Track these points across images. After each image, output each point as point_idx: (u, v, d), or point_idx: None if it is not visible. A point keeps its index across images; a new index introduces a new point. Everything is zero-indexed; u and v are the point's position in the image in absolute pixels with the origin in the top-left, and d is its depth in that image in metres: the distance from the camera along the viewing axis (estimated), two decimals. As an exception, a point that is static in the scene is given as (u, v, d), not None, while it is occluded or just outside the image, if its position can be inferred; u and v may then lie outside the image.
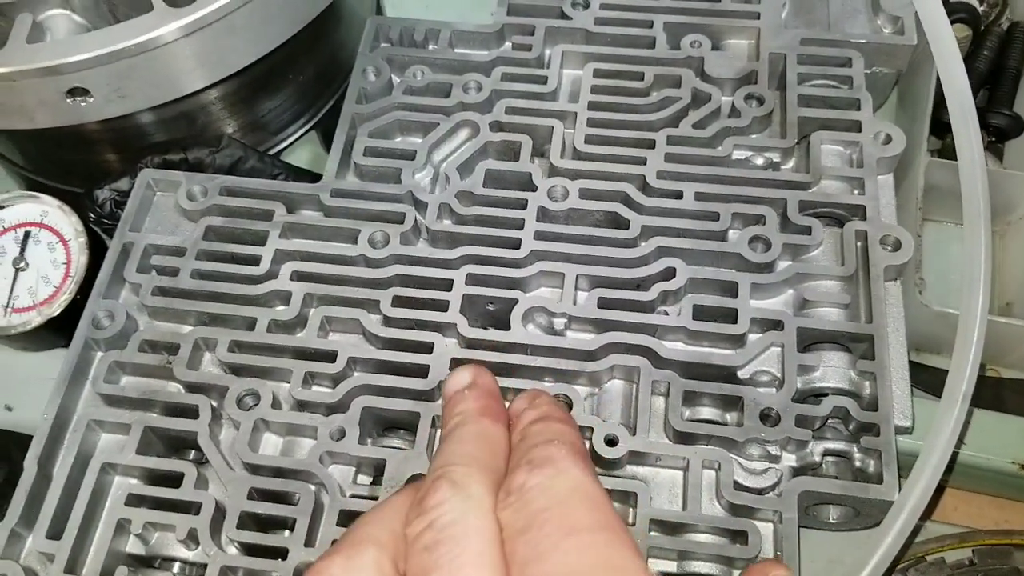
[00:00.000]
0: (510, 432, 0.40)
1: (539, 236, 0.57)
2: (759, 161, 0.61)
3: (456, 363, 0.53)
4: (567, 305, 0.55)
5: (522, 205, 0.58)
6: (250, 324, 0.55)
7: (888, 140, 0.60)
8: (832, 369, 0.53)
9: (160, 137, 0.63)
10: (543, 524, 0.32)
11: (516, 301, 0.55)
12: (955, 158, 0.68)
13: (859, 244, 0.56)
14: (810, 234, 0.57)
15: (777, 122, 0.62)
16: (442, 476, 0.35)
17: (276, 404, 0.53)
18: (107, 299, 0.56)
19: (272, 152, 0.70)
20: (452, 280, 0.56)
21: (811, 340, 0.54)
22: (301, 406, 0.53)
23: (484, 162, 0.60)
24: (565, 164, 0.60)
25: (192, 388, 0.54)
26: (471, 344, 0.54)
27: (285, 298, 0.56)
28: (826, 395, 0.53)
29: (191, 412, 0.53)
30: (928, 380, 0.65)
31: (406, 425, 0.54)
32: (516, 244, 0.57)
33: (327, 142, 0.73)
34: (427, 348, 0.54)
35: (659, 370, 0.53)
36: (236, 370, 0.55)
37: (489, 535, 0.33)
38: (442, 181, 0.61)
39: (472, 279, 0.56)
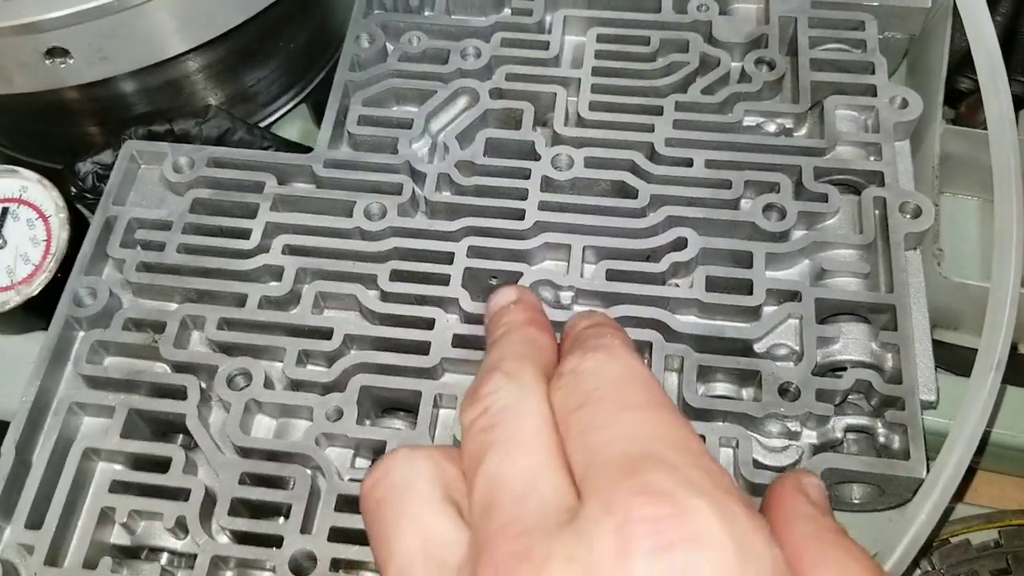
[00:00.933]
0: (561, 345, 0.40)
1: (543, 207, 0.54)
2: (771, 127, 0.58)
3: (459, 339, 0.51)
4: (574, 278, 0.52)
5: (525, 175, 0.56)
6: (240, 301, 0.53)
7: (905, 104, 0.58)
8: (852, 341, 0.51)
9: (144, 108, 0.60)
10: (598, 401, 0.32)
11: (521, 274, 0.52)
12: (969, 126, 0.66)
13: (877, 212, 0.54)
14: (826, 201, 0.54)
15: (789, 87, 0.60)
16: (495, 368, 0.35)
17: (269, 384, 0.50)
18: (89, 276, 0.54)
19: (261, 125, 0.67)
20: (453, 253, 0.53)
21: (830, 312, 0.52)
22: (295, 386, 0.51)
23: (484, 131, 0.58)
24: (569, 132, 0.57)
25: (179, 368, 0.51)
26: (474, 319, 0.51)
27: (277, 273, 0.53)
28: (846, 368, 0.50)
29: (179, 393, 0.50)
30: (946, 357, 0.62)
31: (407, 405, 0.51)
32: (520, 215, 0.54)
33: (318, 116, 0.70)
34: (428, 324, 0.51)
35: (672, 344, 0.50)
36: (226, 349, 0.52)
37: (544, 417, 0.33)
38: (440, 151, 0.58)
39: (474, 252, 0.53)
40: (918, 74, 0.70)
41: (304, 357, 0.51)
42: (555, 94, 0.59)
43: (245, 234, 0.54)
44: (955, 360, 0.63)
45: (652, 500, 0.27)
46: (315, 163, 0.56)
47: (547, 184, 0.55)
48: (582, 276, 0.52)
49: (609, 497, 0.27)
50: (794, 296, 0.51)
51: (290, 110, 0.70)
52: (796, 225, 0.53)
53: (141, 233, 0.54)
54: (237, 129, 0.60)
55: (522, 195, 0.55)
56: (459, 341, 0.51)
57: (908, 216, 0.54)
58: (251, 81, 0.63)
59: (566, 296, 0.52)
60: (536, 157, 0.56)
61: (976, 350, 0.50)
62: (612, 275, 0.52)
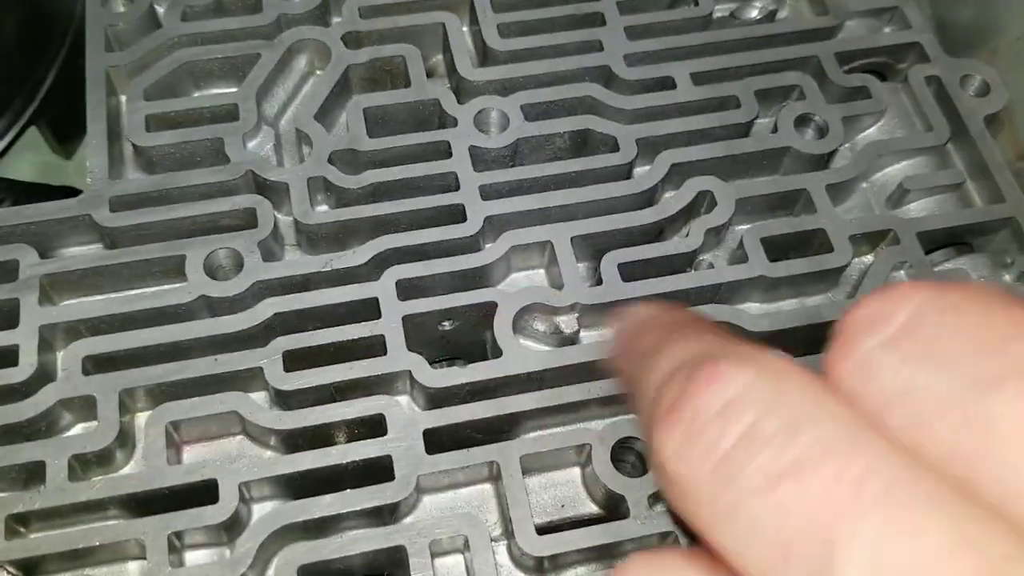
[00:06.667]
0: None
1: (489, 194, 0.35)
2: (752, 13, 0.41)
3: (433, 438, 0.30)
4: (572, 289, 0.33)
5: (444, 151, 0.36)
6: (32, 475, 0.30)
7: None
8: (981, 282, 0.35)
9: None
10: None
11: (492, 305, 0.33)
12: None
13: (934, 97, 0.39)
14: (870, 96, 0.38)
15: (751, -45, 0.43)
16: None
17: (128, 613, 0.28)
18: None
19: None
20: (376, 298, 0.32)
21: (930, 247, 0.36)
22: (176, 600, 0.29)
23: (355, 99, 0.37)
24: (483, 75, 0.38)
25: (-52, 634, 0.28)
26: (441, 397, 0.31)
27: (84, 408, 0.31)
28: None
29: None
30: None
31: (375, 570, 0.31)
32: (458, 214, 0.34)
33: (60, 138, 0.47)
34: (372, 427, 0.31)
35: (754, 354, 0.32)
36: (28, 568, 0.29)
37: None
38: (294, 144, 0.37)
39: (406, 288, 0.33)
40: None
41: (177, 544, 0.29)
42: (442, 24, 0.39)
43: (7, 358, 0.31)
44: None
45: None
46: (94, 208, 0.34)
47: (480, 158, 0.36)
48: (580, 284, 0.33)
49: None
50: (885, 236, 0.35)
51: (13, 142, 0.45)
52: (844, 138, 0.37)
53: None
54: (-61, 184, 0.36)
55: (449, 183, 0.35)
56: (434, 440, 0.30)
57: (972, 93, 0.39)
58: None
59: (568, 321, 0.33)
60: (450, 122, 0.36)
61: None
62: (626, 272, 0.34)
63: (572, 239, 0.34)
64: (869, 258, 0.35)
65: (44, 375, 0.31)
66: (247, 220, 0.34)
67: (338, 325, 0.32)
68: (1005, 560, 0.14)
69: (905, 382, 0.17)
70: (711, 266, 0.36)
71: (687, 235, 0.35)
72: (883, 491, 0.15)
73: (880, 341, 0.18)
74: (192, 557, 0.30)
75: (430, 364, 0.31)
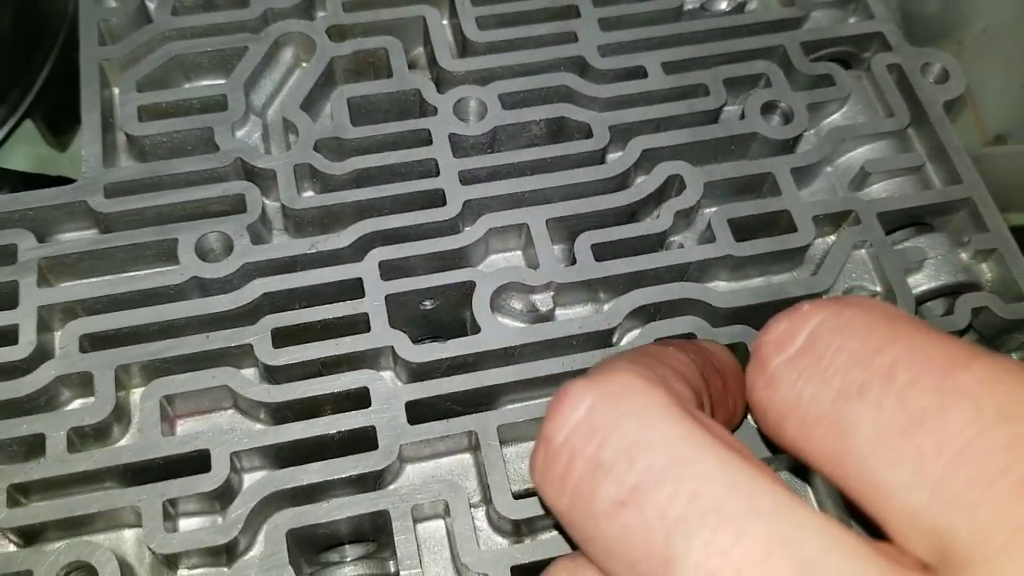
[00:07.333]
0: None
1: (467, 179, 0.36)
2: (722, 5, 0.43)
3: (414, 409, 0.32)
4: (547, 269, 0.35)
5: (424, 139, 0.37)
6: (32, 448, 0.31)
7: (871, -58, 0.44)
8: (939, 260, 0.37)
9: None
10: None
11: (471, 284, 0.34)
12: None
13: (896, 84, 0.40)
14: (834, 84, 0.40)
15: (719, -50, 0.45)
16: None
17: (128, 572, 0.30)
18: None
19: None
20: (360, 279, 0.34)
21: (891, 228, 0.38)
22: (172, 564, 0.30)
23: (339, 89, 0.38)
24: (462, 66, 0.39)
25: (-46, 597, 0.29)
26: (422, 371, 0.33)
27: (81, 384, 0.32)
28: (936, 297, 0.37)
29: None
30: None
31: (360, 536, 0.32)
32: (438, 198, 0.36)
33: (55, 131, 0.48)
34: (357, 400, 0.32)
35: (721, 328, 0.34)
36: (29, 536, 0.30)
37: None
38: (280, 132, 0.38)
39: (389, 269, 0.34)
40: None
41: (172, 512, 0.31)
42: (423, 17, 0.40)
43: (7, 337, 0.32)
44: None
45: None
46: (89, 195, 0.35)
47: (459, 145, 0.37)
48: (555, 264, 0.35)
49: None
50: (845, 218, 0.37)
51: (9, 135, 0.47)
52: (808, 124, 0.39)
53: None
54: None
55: (430, 170, 0.37)
56: (416, 412, 0.32)
57: (932, 80, 0.40)
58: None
59: (543, 299, 0.35)
60: (430, 110, 0.38)
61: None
62: (600, 252, 0.35)
63: (547, 222, 0.36)
64: (832, 238, 0.37)
65: (43, 353, 0.32)
66: (236, 205, 0.35)
67: (324, 304, 0.34)
68: (812, 562, 0.16)
69: (797, 395, 0.19)
70: (681, 246, 0.37)
71: (658, 217, 0.36)
72: (709, 509, 0.17)
73: (785, 359, 0.20)
74: (186, 524, 0.31)
75: (413, 343, 0.33)
